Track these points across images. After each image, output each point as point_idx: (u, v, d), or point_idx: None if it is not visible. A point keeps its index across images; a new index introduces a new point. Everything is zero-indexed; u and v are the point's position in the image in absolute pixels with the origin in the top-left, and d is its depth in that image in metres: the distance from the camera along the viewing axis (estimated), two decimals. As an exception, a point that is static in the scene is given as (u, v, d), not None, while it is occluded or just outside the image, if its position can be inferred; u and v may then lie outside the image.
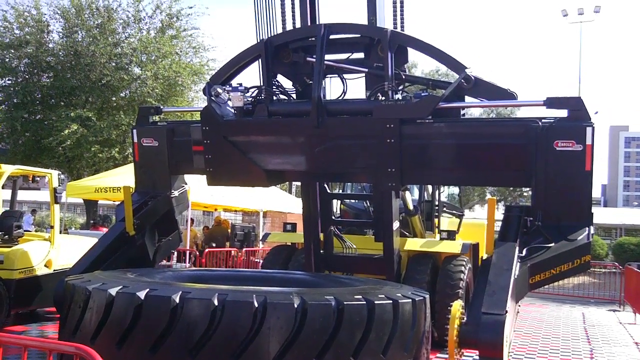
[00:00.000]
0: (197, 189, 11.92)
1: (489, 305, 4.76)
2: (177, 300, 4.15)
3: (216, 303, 4.11)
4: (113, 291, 4.36)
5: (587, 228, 5.41)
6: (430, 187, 9.68)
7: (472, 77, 5.74)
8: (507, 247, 5.34)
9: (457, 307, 4.97)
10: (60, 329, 5.09)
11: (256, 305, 4.09)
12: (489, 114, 29.39)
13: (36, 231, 11.54)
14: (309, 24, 6.43)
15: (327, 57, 6.13)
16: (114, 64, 19.75)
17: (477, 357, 4.92)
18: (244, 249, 16.36)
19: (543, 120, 5.53)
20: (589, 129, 5.35)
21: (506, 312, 4.68)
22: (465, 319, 5.01)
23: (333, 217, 8.37)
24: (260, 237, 17.30)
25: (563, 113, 5.55)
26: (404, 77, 6.18)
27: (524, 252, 5.31)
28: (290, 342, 4.08)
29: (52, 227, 8.95)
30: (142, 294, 4.25)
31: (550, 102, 5.54)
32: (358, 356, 4.26)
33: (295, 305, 4.14)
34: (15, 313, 8.48)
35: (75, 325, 4.60)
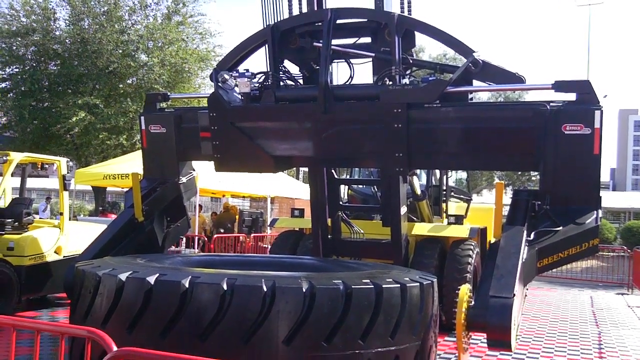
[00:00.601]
0: (205, 175, 11.96)
1: (496, 288, 4.77)
2: (187, 285, 4.18)
3: (225, 287, 4.13)
4: (123, 276, 4.39)
5: (595, 211, 5.40)
6: (438, 172, 9.67)
7: (480, 61, 5.71)
8: (515, 230, 5.34)
9: (464, 290, 4.98)
10: (71, 314, 5.14)
11: (265, 289, 4.11)
12: (497, 98, 29.24)
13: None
14: (316, 8, 6.40)
15: (334, 41, 6.10)
16: (120, 51, 19.76)
17: (485, 340, 4.95)
18: (252, 235, 16.44)
19: (551, 104, 5.50)
20: (597, 113, 5.32)
21: (514, 295, 4.69)
22: (472, 302, 5.02)
23: (340, 203, 8.39)
24: (268, 223, 17.39)
25: (571, 97, 5.52)
26: (411, 61, 6.16)
27: (532, 235, 5.31)
28: (298, 326, 4.10)
29: (61, 214, 9.02)
30: (151, 279, 4.28)
31: (559, 86, 5.51)
32: (366, 339, 4.28)
33: (304, 290, 4.16)
34: (26, 299, 8.57)
35: (85, 311, 4.65)
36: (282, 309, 4.10)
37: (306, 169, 9.38)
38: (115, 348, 2.86)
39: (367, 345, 4.28)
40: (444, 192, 9.78)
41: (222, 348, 4.00)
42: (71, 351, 4.86)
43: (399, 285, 4.56)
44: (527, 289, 6.75)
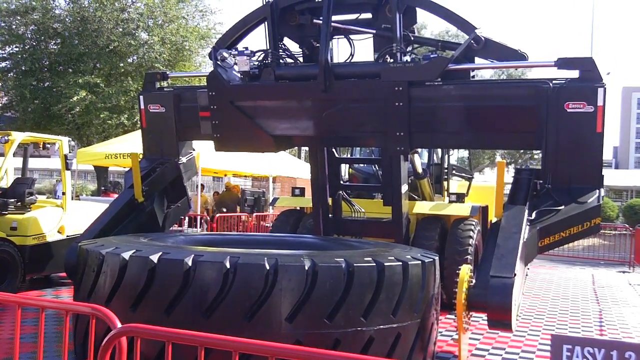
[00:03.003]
0: (206, 154, 11.96)
1: (497, 268, 4.78)
2: (190, 263, 4.20)
3: (228, 266, 4.16)
4: (126, 255, 4.42)
5: (597, 190, 5.40)
6: (439, 150, 9.65)
7: (482, 38, 5.66)
8: (516, 210, 5.34)
9: (465, 270, 5.00)
10: (75, 293, 5.18)
11: (267, 267, 4.13)
12: (500, 75, 29.07)
13: (47, 198, 11.64)
14: None
15: (334, 18, 6.05)
16: (120, 30, 19.63)
17: (486, 320, 4.97)
18: (254, 214, 16.48)
19: (554, 82, 5.47)
20: (600, 90, 5.29)
21: (515, 275, 4.70)
22: (473, 282, 5.04)
23: (341, 182, 8.38)
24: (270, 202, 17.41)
25: (574, 74, 5.48)
26: (412, 38, 6.11)
27: (534, 215, 5.31)
28: (301, 303, 4.14)
29: (63, 193, 9.04)
30: (155, 257, 4.31)
31: (561, 63, 5.47)
32: (368, 317, 4.32)
33: (306, 268, 4.19)
34: (29, 278, 8.63)
35: (89, 289, 4.68)
36: (284, 287, 4.13)
37: (307, 148, 9.37)
38: (119, 325, 2.88)
39: (369, 323, 4.32)
40: (446, 171, 9.77)
41: (225, 325, 4.03)
42: (75, 329, 4.91)
43: (400, 263, 4.58)
44: (528, 268, 6.79)
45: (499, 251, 4.93)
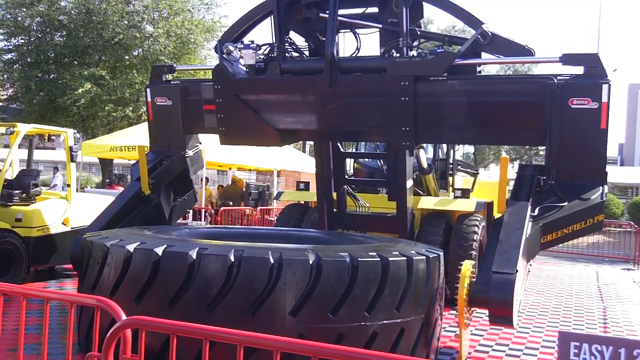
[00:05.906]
0: (211, 148, 11.97)
1: (499, 264, 4.78)
2: (194, 256, 4.21)
3: (232, 259, 4.16)
4: (131, 247, 4.43)
5: (600, 187, 5.38)
6: (444, 145, 9.62)
7: (489, 33, 5.64)
8: (519, 206, 5.33)
9: (467, 266, 4.99)
10: (79, 285, 5.19)
11: (272, 261, 4.14)
12: (506, 71, 28.98)
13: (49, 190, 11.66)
14: None
15: (340, 12, 6.03)
16: (126, 22, 19.64)
17: (487, 316, 4.97)
18: (259, 208, 16.50)
19: (558, 78, 5.45)
20: (604, 87, 5.26)
21: (517, 271, 4.70)
22: (475, 278, 5.04)
23: (346, 176, 8.37)
24: (274, 196, 17.43)
25: (579, 70, 5.46)
26: (419, 33, 6.09)
27: (537, 211, 5.30)
28: (305, 298, 4.14)
29: (68, 185, 9.06)
30: (159, 250, 4.32)
31: (566, 59, 5.45)
32: (372, 312, 4.32)
33: (311, 262, 4.19)
34: (34, 270, 8.66)
35: (94, 281, 4.70)
36: (288, 281, 4.14)
37: (312, 142, 9.37)
38: (124, 317, 2.89)
39: (373, 318, 4.33)
40: (451, 166, 9.74)
41: (229, 319, 4.05)
42: (79, 321, 4.93)
43: (405, 258, 4.58)
44: (530, 265, 6.77)
45: (501, 247, 4.93)
